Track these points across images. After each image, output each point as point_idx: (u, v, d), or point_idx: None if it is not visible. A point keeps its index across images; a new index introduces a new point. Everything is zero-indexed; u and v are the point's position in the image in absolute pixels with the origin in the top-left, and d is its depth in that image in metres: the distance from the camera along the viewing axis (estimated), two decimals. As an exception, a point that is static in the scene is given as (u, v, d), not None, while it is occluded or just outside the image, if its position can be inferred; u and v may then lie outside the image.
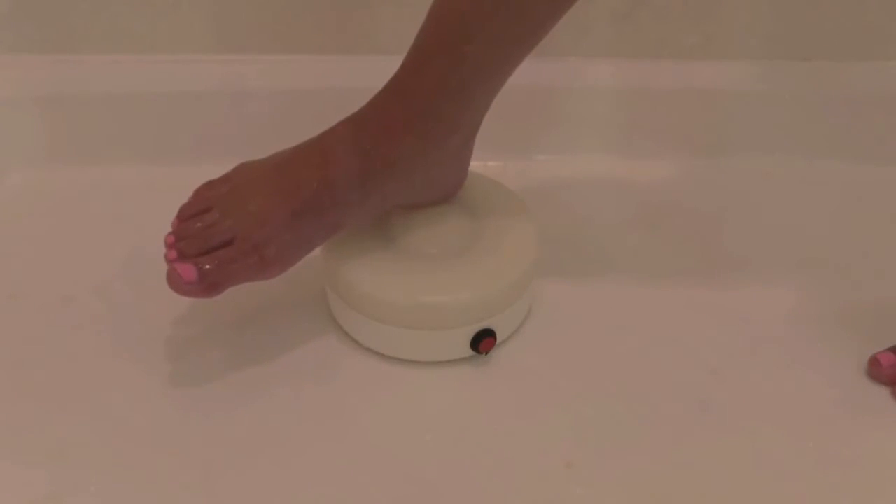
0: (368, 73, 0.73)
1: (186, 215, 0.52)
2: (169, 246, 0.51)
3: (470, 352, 0.54)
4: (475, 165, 0.58)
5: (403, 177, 0.53)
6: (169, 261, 0.50)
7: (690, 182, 0.71)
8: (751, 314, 0.59)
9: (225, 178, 0.54)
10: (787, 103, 0.73)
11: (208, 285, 0.49)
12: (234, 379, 0.53)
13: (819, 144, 0.72)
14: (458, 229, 0.56)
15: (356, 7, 0.69)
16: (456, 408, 0.53)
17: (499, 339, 0.55)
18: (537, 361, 0.55)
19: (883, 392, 0.54)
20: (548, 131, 0.72)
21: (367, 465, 0.49)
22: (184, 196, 0.68)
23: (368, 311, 0.53)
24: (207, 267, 0.49)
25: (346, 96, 0.67)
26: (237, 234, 0.50)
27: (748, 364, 0.56)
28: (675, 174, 0.71)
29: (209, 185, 0.54)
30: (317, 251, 0.55)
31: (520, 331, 0.57)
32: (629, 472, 0.49)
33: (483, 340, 0.53)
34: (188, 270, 0.49)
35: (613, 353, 0.56)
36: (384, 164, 0.52)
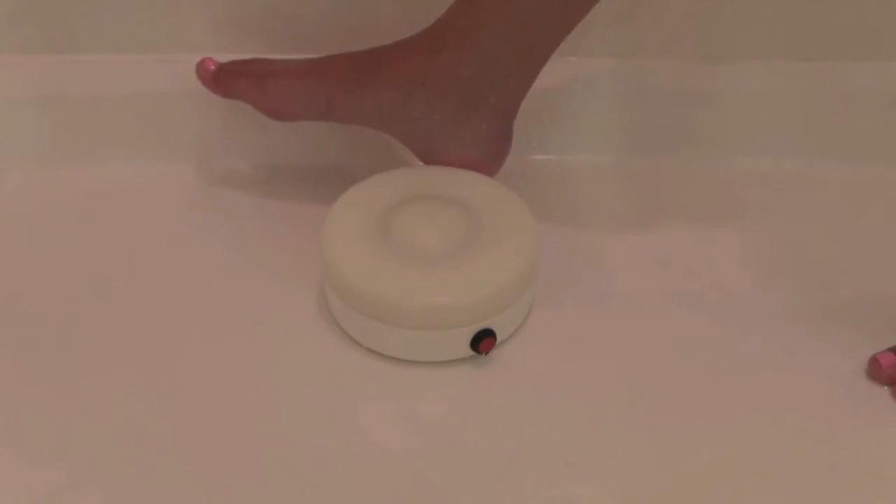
0: (368, 73, 0.73)
1: None
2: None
3: (470, 352, 0.54)
4: (475, 165, 0.58)
5: (400, 96, 0.56)
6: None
7: (690, 182, 0.71)
8: (750, 314, 0.59)
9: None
10: (787, 103, 0.72)
11: (218, 82, 0.59)
12: (233, 379, 0.53)
13: (819, 144, 0.72)
14: (458, 229, 0.56)
15: (356, 7, 0.69)
16: (456, 408, 0.53)
17: (499, 339, 0.55)
18: (537, 361, 0.55)
19: (883, 392, 0.54)
20: (548, 131, 0.71)
21: (366, 465, 0.49)
22: (183, 196, 0.68)
23: (368, 311, 0.53)
24: (229, 67, 0.59)
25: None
26: (264, 65, 0.60)
27: (748, 364, 0.56)
28: (675, 174, 0.71)
29: None
30: (318, 250, 0.55)
31: (520, 331, 0.57)
32: (629, 472, 0.49)
33: (483, 340, 0.53)
34: (212, 61, 0.60)
35: (614, 353, 0.56)
36: (387, 73, 0.56)
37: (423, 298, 0.52)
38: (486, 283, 0.53)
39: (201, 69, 0.60)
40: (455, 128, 0.57)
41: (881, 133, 0.72)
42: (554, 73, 0.70)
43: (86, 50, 0.69)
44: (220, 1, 0.68)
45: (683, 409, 0.53)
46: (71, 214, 0.65)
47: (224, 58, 0.68)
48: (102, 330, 0.56)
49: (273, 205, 0.62)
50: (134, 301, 0.58)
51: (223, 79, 0.59)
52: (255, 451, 0.50)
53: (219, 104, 0.70)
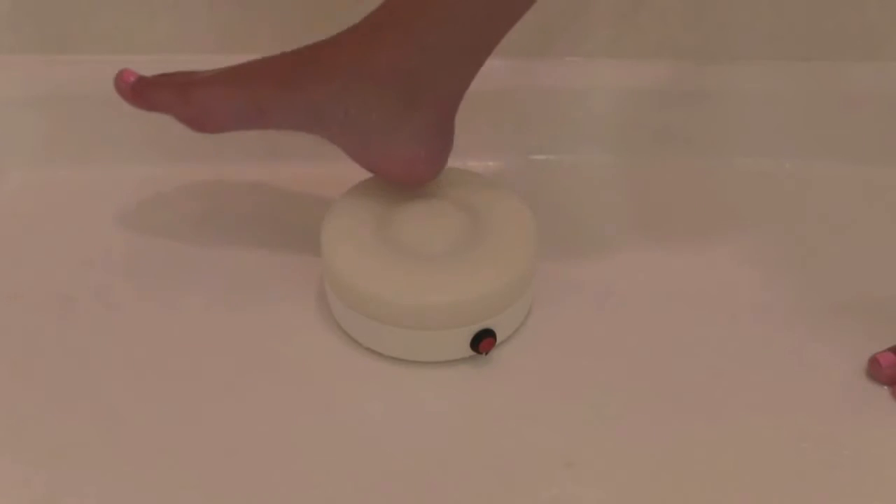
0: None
1: None
2: None
3: (470, 352, 0.54)
4: (475, 165, 0.58)
5: (336, 92, 0.53)
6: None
7: (690, 182, 0.71)
8: (750, 314, 0.59)
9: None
10: (787, 103, 0.72)
11: (137, 93, 0.57)
12: (233, 379, 0.53)
13: (819, 144, 0.72)
14: (458, 229, 0.56)
15: (355, 7, 0.69)
16: (456, 408, 0.53)
17: (499, 339, 0.55)
18: (537, 361, 0.55)
19: (883, 392, 0.54)
20: (547, 131, 0.71)
21: (366, 465, 0.49)
22: (183, 195, 0.68)
23: (368, 311, 0.53)
24: (148, 78, 0.57)
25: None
26: (186, 75, 0.57)
27: (748, 364, 0.56)
28: (675, 174, 0.71)
29: None
30: (318, 253, 0.55)
31: (520, 331, 0.57)
32: (629, 472, 0.49)
33: (483, 340, 0.53)
34: (130, 73, 0.57)
35: (614, 353, 0.56)
36: (319, 66, 0.53)
37: (424, 298, 0.52)
38: (486, 283, 0.53)
39: (119, 81, 0.57)
40: (393, 124, 0.53)
41: (881, 133, 0.72)
42: (554, 73, 0.70)
43: (84, 50, 0.69)
44: (220, 1, 0.68)
45: (683, 409, 0.53)
46: (71, 214, 0.65)
47: (224, 58, 0.68)
48: (102, 330, 0.56)
49: (273, 205, 0.62)
50: (133, 301, 0.58)
51: (143, 90, 0.57)
52: (255, 450, 0.50)
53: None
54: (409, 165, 0.56)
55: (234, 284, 0.59)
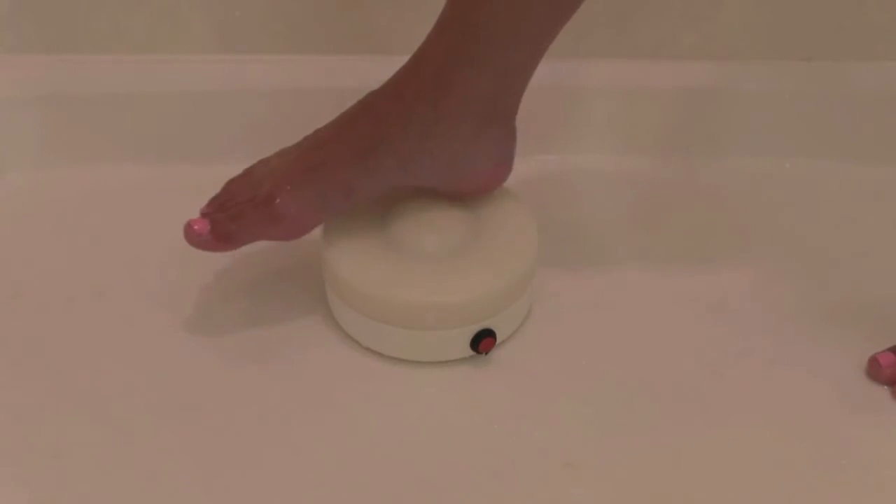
0: (368, 73, 0.73)
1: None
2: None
3: (470, 352, 0.54)
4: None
5: (417, 142, 0.52)
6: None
7: (690, 182, 0.71)
8: (751, 314, 0.59)
9: (249, 168, 0.55)
10: (787, 103, 0.72)
11: (220, 236, 0.52)
12: (233, 379, 0.53)
13: (819, 144, 0.72)
14: (458, 229, 0.56)
15: (355, 7, 0.69)
16: (456, 408, 0.53)
17: (499, 339, 0.55)
18: (537, 361, 0.55)
19: (883, 392, 0.54)
20: (548, 131, 0.71)
21: (366, 465, 0.49)
22: (183, 195, 0.68)
23: (368, 311, 0.53)
24: (219, 217, 0.52)
25: (345, 96, 0.67)
26: (251, 191, 0.52)
27: (748, 364, 0.56)
28: (675, 174, 0.71)
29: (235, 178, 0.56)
30: (318, 253, 0.55)
31: (520, 331, 0.57)
32: (629, 472, 0.49)
33: (483, 340, 0.53)
34: (200, 223, 0.52)
35: (614, 353, 0.56)
36: (397, 126, 0.52)
37: (424, 298, 0.52)
38: (486, 283, 0.53)
39: (192, 236, 0.52)
40: (472, 147, 0.54)
41: (881, 133, 0.72)
42: (554, 73, 0.70)
43: (85, 50, 0.69)
44: (220, 1, 0.68)
45: (683, 409, 0.53)
46: (71, 214, 0.65)
47: (224, 58, 0.68)
48: (102, 330, 0.56)
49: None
50: (133, 301, 0.58)
51: (223, 232, 0.52)
52: (255, 450, 0.50)
53: (219, 104, 0.70)
54: (491, 176, 0.56)
55: (234, 284, 0.59)
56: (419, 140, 0.52)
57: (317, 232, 0.56)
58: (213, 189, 0.68)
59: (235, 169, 0.69)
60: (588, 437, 0.51)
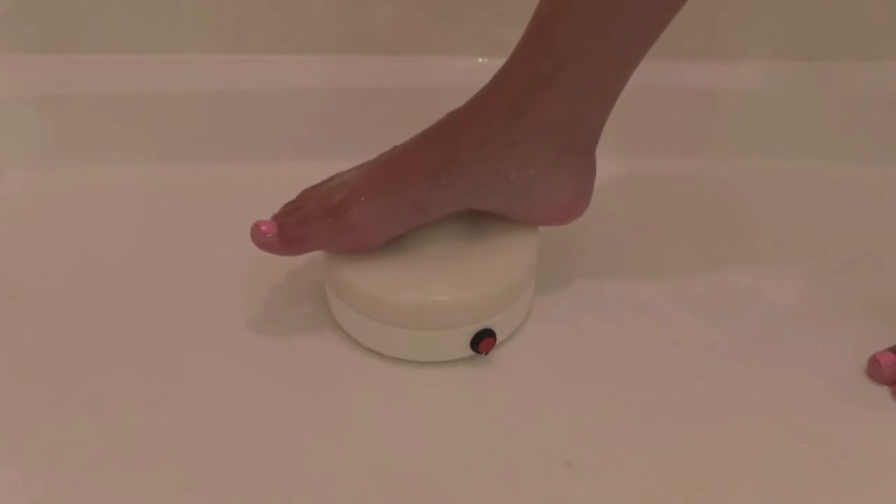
0: (368, 73, 0.73)
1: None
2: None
3: (470, 352, 0.54)
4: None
5: (492, 164, 0.51)
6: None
7: (690, 182, 0.71)
8: (750, 314, 0.59)
9: (326, 179, 0.55)
10: (787, 103, 0.72)
11: (286, 240, 0.52)
12: (233, 379, 0.53)
13: (819, 144, 0.72)
14: (458, 229, 0.56)
15: (355, 7, 0.69)
16: (456, 408, 0.53)
17: (499, 339, 0.55)
18: (537, 361, 0.55)
19: (883, 392, 0.54)
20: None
21: (366, 465, 0.49)
22: (184, 195, 0.68)
23: (368, 311, 0.53)
24: (287, 221, 0.52)
25: (346, 96, 0.67)
26: (323, 199, 0.53)
27: (748, 363, 0.56)
28: (676, 174, 0.71)
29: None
30: (318, 253, 0.55)
31: (520, 331, 0.57)
32: (629, 472, 0.49)
33: (483, 340, 0.53)
34: (268, 224, 0.52)
35: (614, 353, 0.56)
36: (472, 145, 0.51)
37: (424, 298, 0.52)
38: (486, 283, 0.53)
39: (258, 237, 0.52)
40: (550, 175, 0.52)
41: (881, 133, 0.72)
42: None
43: (86, 50, 0.70)
44: (220, 1, 0.68)
45: (683, 409, 0.53)
46: (71, 214, 0.65)
47: (224, 58, 0.68)
48: (102, 330, 0.56)
49: (273, 205, 0.62)
50: (133, 301, 0.58)
51: (290, 235, 0.52)
52: (255, 450, 0.50)
53: (219, 104, 0.70)
54: (568, 207, 0.55)
55: (234, 284, 0.59)
56: (493, 162, 0.51)
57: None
58: (214, 189, 0.68)
59: (235, 169, 0.69)
60: (588, 437, 0.51)
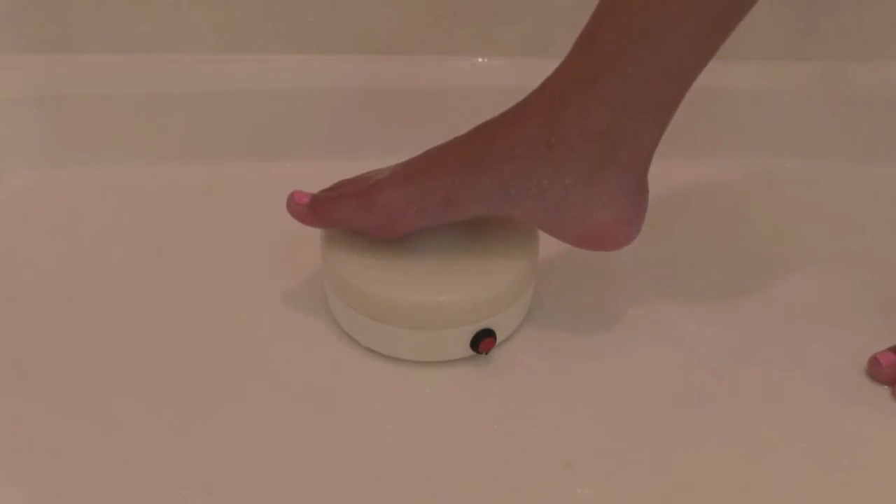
0: (368, 73, 0.73)
1: None
2: None
3: (470, 352, 0.54)
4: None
5: (524, 164, 0.49)
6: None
7: (691, 182, 0.71)
8: (750, 314, 0.59)
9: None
10: (787, 103, 0.72)
11: (317, 211, 0.54)
12: (233, 379, 0.53)
13: (819, 144, 0.72)
14: (458, 229, 0.56)
15: (355, 7, 0.69)
16: (456, 408, 0.53)
17: (499, 339, 0.55)
18: (537, 361, 0.55)
19: (883, 392, 0.54)
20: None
21: (366, 465, 0.49)
22: (184, 195, 0.68)
23: (368, 311, 0.53)
24: (321, 195, 0.54)
25: (346, 96, 0.67)
26: (358, 182, 0.54)
27: (748, 363, 0.56)
28: (675, 174, 0.71)
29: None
30: (318, 253, 0.55)
31: (520, 331, 0.57)
32: (629, 472, 0.49)
33: (483, 340, 0.53)
34: (302, 194, 0.54)
35: (613, 353, 0.56)
36: (506, 144, 0.50)
37: (423, 298, 0.52)
38: (486, 283, 0.53)
39: (293, 205, 0.54)
40: (588, 189, 0.50)
41: (880, 133, 0.72)
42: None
43: (86, 50, 0.69)
44: (220, 1, 0.68)
45: (683, 409, 0.53)
46: (71, 214, 0.65)
47: (224, 58, 0.68)
48: (102, 330, 0.56)
49: (273, 204, 0.62)
50: (133, 301, 0.58)
51: (322, 208, 0.54)
52: (255, 450, 0.50)
53: (218, 104, 0.70)
54: (609, 230, 0.52)
55: (234, 284, 0.59)
56: (526, 161, 0.49)
57: (317, 232, 0.56)
58: (213, 189, 0.68)
59: (235, 169, 0.69)
60: (588, 437, 0.51)
